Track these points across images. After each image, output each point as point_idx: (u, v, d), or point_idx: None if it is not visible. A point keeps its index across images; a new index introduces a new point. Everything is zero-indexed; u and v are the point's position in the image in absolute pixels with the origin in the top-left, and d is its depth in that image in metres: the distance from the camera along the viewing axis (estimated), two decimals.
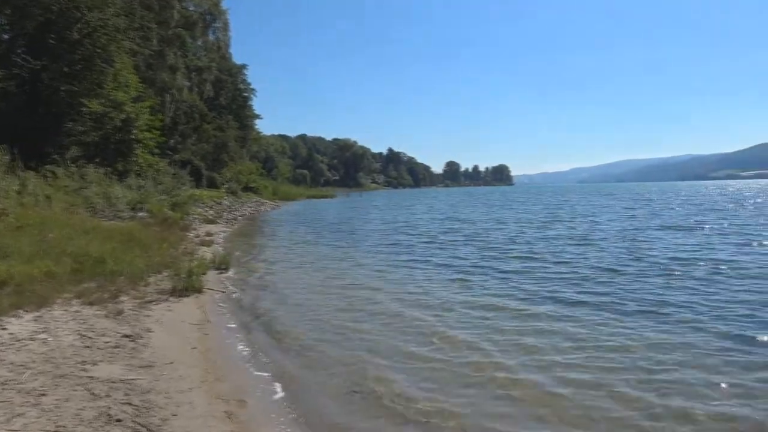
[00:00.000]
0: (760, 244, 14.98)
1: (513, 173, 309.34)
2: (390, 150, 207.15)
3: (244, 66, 60.57)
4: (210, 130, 47.08)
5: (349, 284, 11.00)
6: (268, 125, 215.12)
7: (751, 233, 17.78)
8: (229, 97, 56.46)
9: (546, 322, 7.64)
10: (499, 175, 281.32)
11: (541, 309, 8.38)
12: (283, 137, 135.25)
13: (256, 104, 67.17)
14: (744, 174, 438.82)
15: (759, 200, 42.93)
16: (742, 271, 10.85)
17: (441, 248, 16.50)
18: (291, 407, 5.17)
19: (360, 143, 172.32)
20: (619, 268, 11.65)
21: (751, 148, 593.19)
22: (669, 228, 20.46)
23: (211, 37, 48.96)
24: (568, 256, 13.79)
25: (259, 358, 6.56)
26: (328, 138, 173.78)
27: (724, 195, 58.10)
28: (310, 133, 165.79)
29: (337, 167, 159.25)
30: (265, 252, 16.75)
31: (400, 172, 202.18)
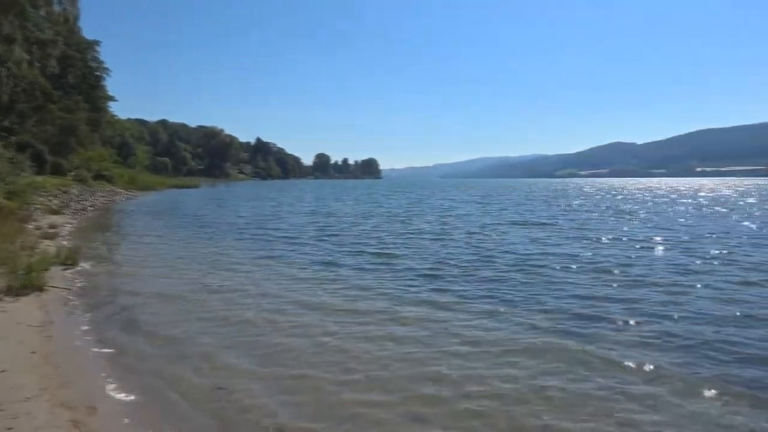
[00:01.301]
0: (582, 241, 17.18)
1: (381, 167, 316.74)
2: (258, 140, 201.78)
3: (96, 42, 55.46)
4: (55, 111, 42.54)
5: (207, 281, 10.55)
6: (124, 108, 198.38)
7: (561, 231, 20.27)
8: (78, 75, 51.38)
9: (372, 317, 7.95)
10: (368, 168, 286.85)
11: (378, 305, 8.58)
12: (142, 122, 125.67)
13: (112, 85, 61.90)
14: (582, 173, 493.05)
15: (578, 201, 48.58)
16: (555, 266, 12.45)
17: (301, 244, 16.40)
18: (145, 411, 4.89)
19: (227, 132, 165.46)
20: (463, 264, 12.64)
21: (587, 150, 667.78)
22: (517, 224, 22.59)
23: (57, 8, 44.16)
24: (409, 251, 14.70)
25: (111, 360, 6.11)
26: (193, 125, 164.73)
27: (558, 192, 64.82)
28: (173, 119, 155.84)
29: (202, 156, 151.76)
30: (116, 246, 15.74)
31: (269, 162, 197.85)
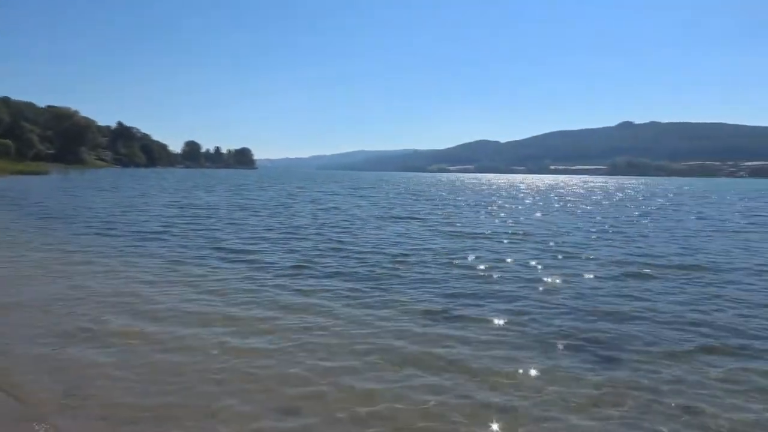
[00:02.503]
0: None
1: (256, 157, 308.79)
2: (120, 124, 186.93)
3: None
4: None
5: (49, 279, 9.78)
6: None
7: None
8: None
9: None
10: (242, 158, 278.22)
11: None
12: None
13: None
14: (452, 168, 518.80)
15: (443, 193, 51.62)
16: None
17: (151, 239, 15.71)
18: None
19: (83, 113, 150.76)
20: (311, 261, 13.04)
21: (456, 146, 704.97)
22: (384, 219, 23.55)
23: None
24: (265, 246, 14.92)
25: None
26: (41, 104, 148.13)
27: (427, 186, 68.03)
28: (17, 97, 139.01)
29: (53, 139, 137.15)
30: None
31: (132, 149, 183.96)
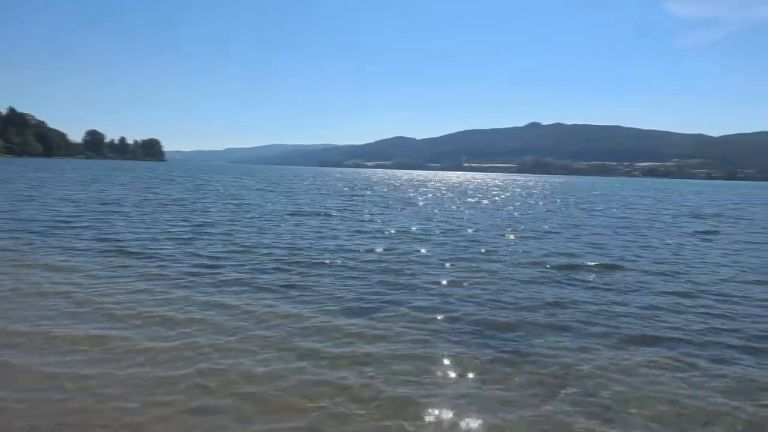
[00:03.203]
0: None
1: (166, 149, 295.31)
2: (11, 110, 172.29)
3: None
4: None
5: None
6: None
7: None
8: None
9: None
10: (150, 149, 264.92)
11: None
12: None
13: None
14: (369, 164, 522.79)
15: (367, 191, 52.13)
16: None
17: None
18: None
19: None
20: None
21: (374, 142, 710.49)
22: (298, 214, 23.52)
23: None
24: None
25: None
26: None
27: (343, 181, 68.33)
28: None
29: None
30: None
31: (25, 137, 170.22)
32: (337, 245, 14.43)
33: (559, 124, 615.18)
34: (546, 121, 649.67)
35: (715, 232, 20.98)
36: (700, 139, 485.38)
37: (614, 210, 32.60)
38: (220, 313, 7.81)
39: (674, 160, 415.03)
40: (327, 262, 11.92)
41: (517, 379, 5.75)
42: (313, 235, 16.47)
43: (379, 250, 13.82)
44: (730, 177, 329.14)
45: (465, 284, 10.13)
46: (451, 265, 12.07)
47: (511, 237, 17.58)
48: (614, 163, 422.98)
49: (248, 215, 21.82)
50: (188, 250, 12.96)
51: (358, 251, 13.54)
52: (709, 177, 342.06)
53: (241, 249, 13.24)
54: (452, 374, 5.88)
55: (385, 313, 8.07)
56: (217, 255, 12.34)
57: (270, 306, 8.25)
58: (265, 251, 13.05)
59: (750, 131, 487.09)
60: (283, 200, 31.56)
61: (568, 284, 10.46)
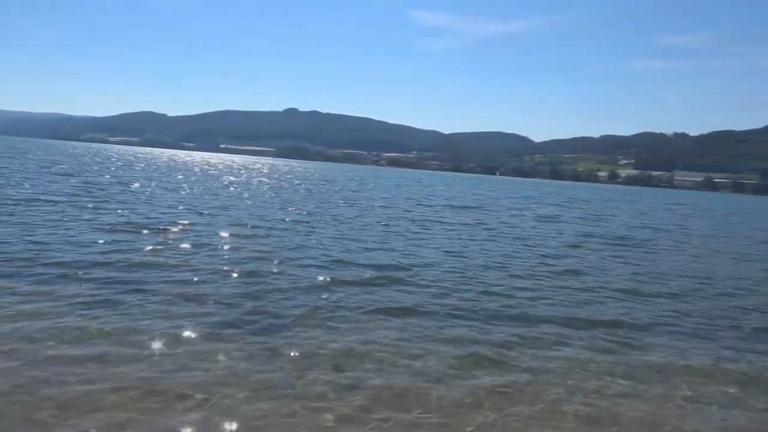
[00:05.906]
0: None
1: None
2: None
3: None
4: None
5: None
6: None
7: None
8: None
9: None
10: None
11: None
12: None
13: None
14: (111, 139, 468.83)
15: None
16: None
17: None
18: None
19: None
20: None
21: (118, 115, 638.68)
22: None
23: None
24: None
25: None
26: None
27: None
28: None
29: None
30: None
31: None
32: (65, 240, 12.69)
33: (315, 111, 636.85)
34: (304, 108, 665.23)
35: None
36: (435, 135, 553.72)
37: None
38: None
39: (414, 152, 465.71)
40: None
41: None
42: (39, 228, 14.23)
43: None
44: (457, 169, 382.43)
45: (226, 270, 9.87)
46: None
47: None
48: (365, 153, 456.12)
49: None
50: None
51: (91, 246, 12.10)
52: (441, 168, 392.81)
53: None
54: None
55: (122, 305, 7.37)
56: None
57: None
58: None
59: (471, 131, 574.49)
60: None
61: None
